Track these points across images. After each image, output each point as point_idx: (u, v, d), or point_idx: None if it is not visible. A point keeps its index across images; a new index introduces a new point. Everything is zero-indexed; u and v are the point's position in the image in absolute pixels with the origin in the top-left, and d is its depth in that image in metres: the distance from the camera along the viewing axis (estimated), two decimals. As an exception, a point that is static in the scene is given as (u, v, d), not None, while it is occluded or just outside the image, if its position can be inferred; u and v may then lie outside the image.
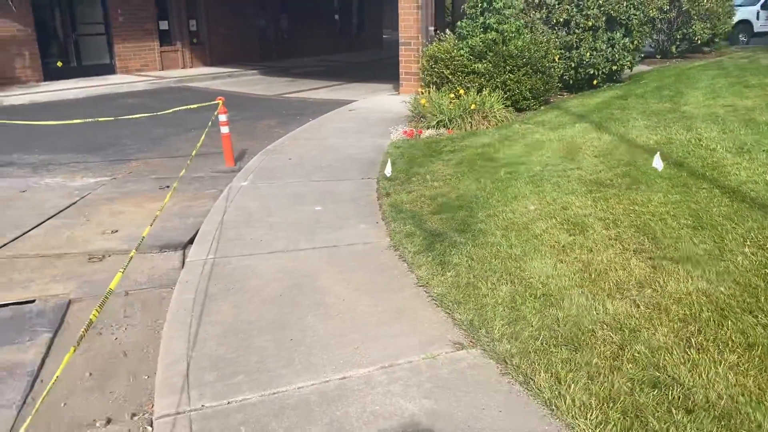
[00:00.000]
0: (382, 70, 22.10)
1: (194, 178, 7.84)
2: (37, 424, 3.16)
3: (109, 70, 19.05)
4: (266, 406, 2.97)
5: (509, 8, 10.55)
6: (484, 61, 10.33)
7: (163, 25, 20.24)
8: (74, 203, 6.89)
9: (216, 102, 8.50)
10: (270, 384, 3.15)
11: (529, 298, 3.73)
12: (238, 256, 4.92)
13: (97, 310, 2.78)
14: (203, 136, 8.08)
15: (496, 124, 9.25)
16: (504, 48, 10.24)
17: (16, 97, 14.95)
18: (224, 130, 8.11)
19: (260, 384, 3.16)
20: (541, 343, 3.24)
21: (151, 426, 3.09)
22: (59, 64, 18.02)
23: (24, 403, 3.34)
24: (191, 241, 5.65)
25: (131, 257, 3.61)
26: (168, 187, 7.44)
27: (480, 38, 10.46)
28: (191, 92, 16.46)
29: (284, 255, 4.91)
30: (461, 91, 9.75)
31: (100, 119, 9.82)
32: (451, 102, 9.54)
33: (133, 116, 10.16)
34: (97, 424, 3.15)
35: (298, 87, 17.34)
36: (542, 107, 10.79)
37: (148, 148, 9.85)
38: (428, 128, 9.08)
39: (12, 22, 16.60)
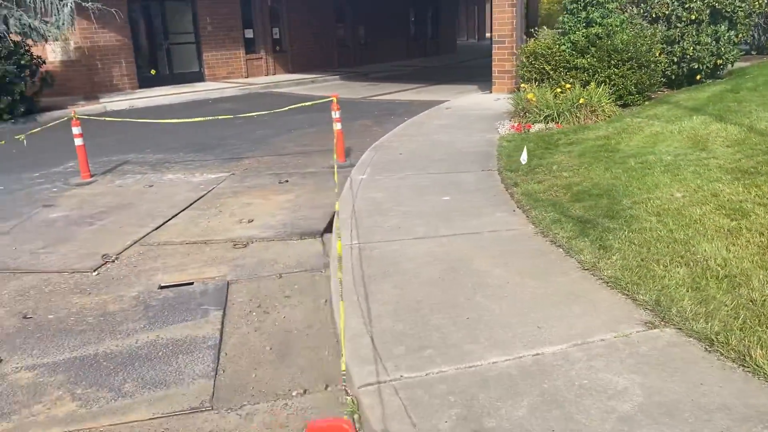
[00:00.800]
0: (461, 72, 22.06)
1: (309, 173, 7.98)
2: (233, 393, 3.26)
3: (198, 77, 19.71)
4: (467, 378, 2.97)
5: (613, 2, 10.33)
6: (587, 56, 10.14)
7: (248, 33, 20.80)
8: (202, 196, 7.12)
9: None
10: (462, 358, 3.14)
11: (712, 279, 3.60)
12: (382, 242, 4.96)
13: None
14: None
15: (605, 119, 9.05)
16: (609, 42, 10.03)
17: (117, 103, 15.64)
18: (337, 126, 8.23)
19: (452, 358, 3.16)
20: (743, 322, 3.12)
21: (348, 395, 3.13)
22: (152, 72, 18.76)
23: (216, 374, 3.44)
24: (327, 229, 5.75)
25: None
26: (287, 181, 7.60)
27: (582, 33, 10.28)
28: (278, 97, 16.83)
29: (428, 241, 4.92)
30: (567, 86, 9.59)
31: (212, 117, 10.13)
32: (556, 97, 9.40)
33: (242, 115, 10.42)
34: (294, 393, 3.22)
35: (381, 90, 17.48)
36: (646, 102, 10.50)
37: (255, 147, 10.10)
38: (536, 123, 8.96)
39: (111, 31, 17.41)
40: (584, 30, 10.35)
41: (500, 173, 6.74)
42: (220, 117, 10.35)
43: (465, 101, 12.53)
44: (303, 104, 10.16)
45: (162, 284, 4.77)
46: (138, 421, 3.05)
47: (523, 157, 6.53)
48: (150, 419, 3.06)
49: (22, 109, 13.50)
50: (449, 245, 4.76)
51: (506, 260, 4.38)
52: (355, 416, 2.91)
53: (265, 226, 5.93)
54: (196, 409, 3.12)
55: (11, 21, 13.01)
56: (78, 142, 8.19)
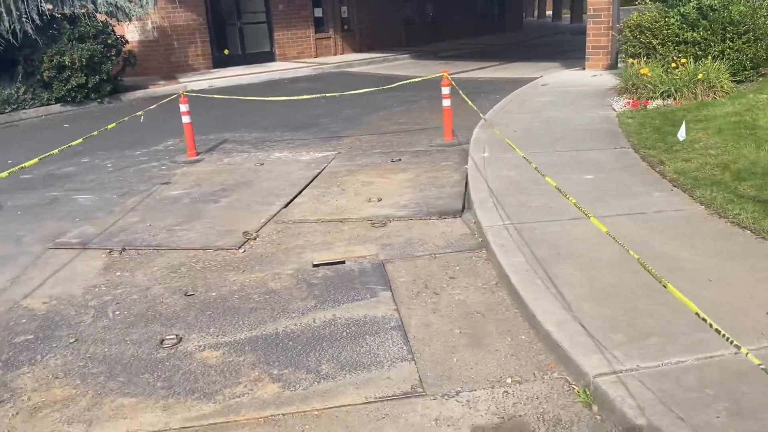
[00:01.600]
0: (534, 50, 21.47)
1: (418, 152, 7.77)
2: (441, 378, 3.08)
3: (269, 57, 19.68)
4: (715, 370, 2.71)
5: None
6: (698, 30, 9.59)
7: (317, 12, 20.63)
8: (317, 175, 6.99)
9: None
10: (696, 348, 2.89)
11: None
12: (537, 222, 4.72)
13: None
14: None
15: (723, 95, 8.55)
16: (724, 14, 9.46)
17: (197, 82, 15.69)
18: (446, 103, 7.98)
19: (686, 347, 2.91)
20: None
21: (569, 384, 2.92)
22: (226, 51, 18.79)
23: (413, 357, 3.28)
24: (463, 209, 5.54)
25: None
26: (400, 160, 7.41)
27: (694, 5, 9.73)
28: (353, 77, 16.64)
29: (589, 221, 4.64)
30: (682, 61, 9.09)
31: (306, 96, 9.98)
32: (668, 72, 8.93)
33: (329, 95, 10.25)
34: (509, 381, 3.02)
35: (457, 68, 17.07)
36: (759, 78, 9.90)
37: (349, 126, 9.93)
38: (651, 99, 8.53)
39: (188, 11, 17.46)
40: (695, 2, 9.79)
41: (636, 151, 6.39)
42: (307, 96, 10.20)
43: (558, 78, 12.09)
44: (404, 82, 9.94)
45: (315, 262, 4.64)
46: (351, 405, 2.90)
47: (681, 134, 6.17)
48: (364, 403, 2.91)
49: (108, 89, 13.64)
50: (617, 226, 4.47)
51: (690, 242, 4.09)
52: (594, 407, 2.69)
53: (397, 205, 5.75)
54: (410, 394, 2.96)
55: (99, 0, 13.12)
56: (186, 120, 8.16)
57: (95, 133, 6.94)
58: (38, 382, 3.30)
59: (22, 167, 5.22)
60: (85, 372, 3.36)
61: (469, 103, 7.62)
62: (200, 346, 3.54)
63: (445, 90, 7.92)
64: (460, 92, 8.46)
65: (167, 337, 3.66)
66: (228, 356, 3.42)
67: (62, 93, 12.83)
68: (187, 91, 8.43)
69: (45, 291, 4.47)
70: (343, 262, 4.62)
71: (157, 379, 3.25)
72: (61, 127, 11.63)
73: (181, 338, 3.64)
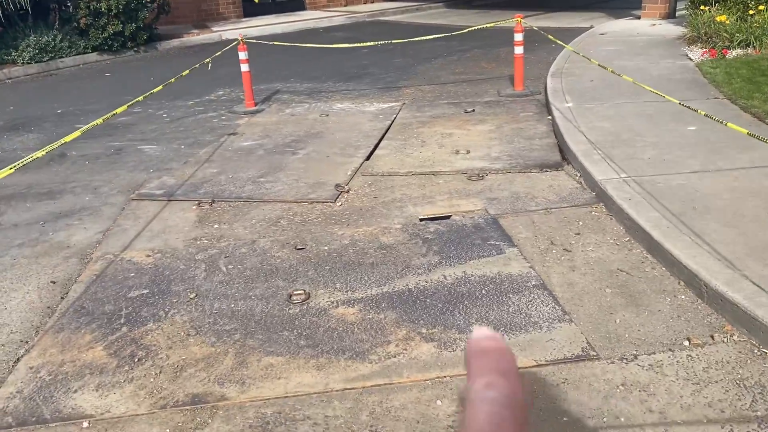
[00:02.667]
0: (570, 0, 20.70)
1: (489, 102, 7.45)
2: (608, 340, 2.89)
3: (299, 6, 19.09)
4: None
5: None
6: (775, -26, 9.06)
7: (348, -42, 19.91)
8: (389, 126, 6.71)
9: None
10: None
11: None
12: (656, 176, 4.46)
13: None
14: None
15: (805, 44, 8.10)
16: (804, -43, 8.91)
17: (230, 31, 15.24)
18: (518, 51, 7.61)
19: None
20: None
21: (758, 348, 2.71)
22: (256, 0, 18.23)
23: (570, 318, 3.08)
24: (563, 161, 5.27)
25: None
26: (473, 110, 7.10)
27: (771, -53, 9.16)
28: (388, 25, 16.14)
29: (715, 175, 4.39)
30: (761, 7, 8.62)
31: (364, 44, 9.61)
32: (743, 20, 8.48)
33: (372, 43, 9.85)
34: (686, 344, 2.82)
35: (496, 18, 16.43)
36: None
37: (404, 76, 9.58)
38: (730, 48, 8.11)
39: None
40: (773, -57, 9.23)
41: (734, 102, 6.06)
42: (351, 45, 9.82)
43: (614, 27, 11.60)
44: (447, 33, 9.54)
45: (421, 217, 4.42)
46: (521, 369, 2.71)
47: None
48: (535, 366, 2.73)
49: (145, 37, 13.27)
50: (750, 180, 4.22)
51: (839, 197, 3.83)
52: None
53: (488, 157, 5.49)
54: (582, 357, 2.77)
55: (135, -56, 12.63)
56: (244, 68, 7.85)
57: (173, 80, 6.66)
58: (171, 339, 3.14)
59: (113, 114, 4.97)
60: (218, 329, 3.19)
61: (560, 42, 7.25)
62: (332, 303, 3.36)
63: (518, 37, 7.55)
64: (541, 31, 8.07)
65: (295, 292, 3.47)
66: (366, 313, 3.24)
67: (99, 41, 12.48)
68: (219, 41, 8.09)
69: (143, 244, 4.29)
70: (449, 217, 4.40)
71: (299, 336, 3.08)
72: (102, 76, 11.34)
73: (309, 294, 3.45)
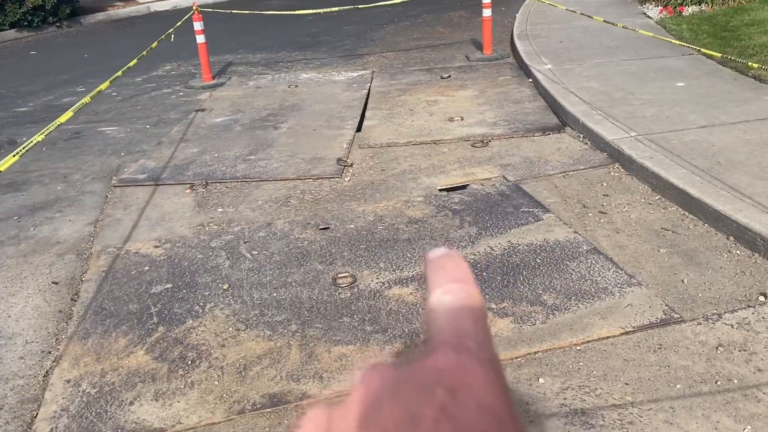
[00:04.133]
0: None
1: (462, 68, 7.31)
2: (685, 302, 2.84)
3: (225, -26, 18.18)
4: None
5: None
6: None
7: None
8: (367, 96, 6.47)
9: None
10: None
11: None
12: (666, 132, 4.47)
13: None
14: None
15: (751, 0, 8.38)
16: None
17: (159, 3, 14.38)
18: (486, 13, 7.48)
19: None
20: None
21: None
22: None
23: (638, 282, 3.02)
24: (561, 123, 5.22)
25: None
26: (449, 76, 6.95)
27: None
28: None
29: (723, 128, 4.44)
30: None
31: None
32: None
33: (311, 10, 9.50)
34: (762, 299, 2.81)
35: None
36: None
37: (361, 44, 9.29)
38: (684, 5, 8.28)
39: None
40: None
41: (709, 57, 6.17)
42: (298, 12, 9.41)
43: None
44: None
45: (440, 187, 4.26)
46: (612, 337, 2.63)
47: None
48: (623, 334, 2.65)
49: (68, 11, 12.30)
50: (758, 133, 4.28)
51: None
52: None
53: (485, 123, 5.37)
54: (668, 321, 2.71)
55: None
56: (200, 39, 7.35)
57: (154, 45, 6.08)
58: (220, 336, 2.86)
59: (98, 91, 4.48)
60: (269, 321, 2.94)
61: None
62: (384, 283, 3.16)
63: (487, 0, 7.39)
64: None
65: (339, 275, 3.25)
66: (424, 293, 3.05)
67: (17, 16, 11.45)
68: (148, 14, 7.54)
69: (145, 234, 3.93)
70: (467, 186, 4.26)
71: (362, 321, 2.87)
72: (27, 55, 10.43)
73: (354, 276, 3.24)
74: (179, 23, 7.24)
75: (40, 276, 3.56)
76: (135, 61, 5.08)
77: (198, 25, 7.31)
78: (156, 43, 6.19)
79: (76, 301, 3.27)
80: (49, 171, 5.19)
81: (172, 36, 6.65)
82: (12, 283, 3.50)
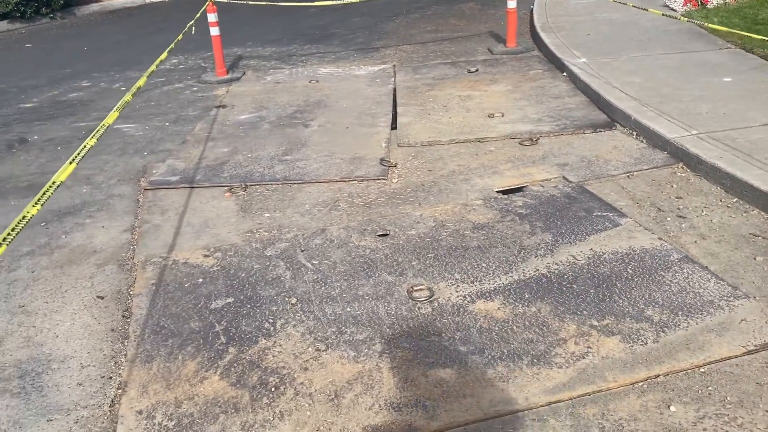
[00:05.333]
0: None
1: (487, 61, 7.08)
2: (799, 314, 2.65)
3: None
4: None
5: None
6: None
7: None
8: (394, 91, 6.22)
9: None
10: None
11: None
12: (729, 130, 4.28)
13: None
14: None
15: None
16: None
17: (154, -6, 13.96)
18: (511, 4, 7.24)
19: None
20: None
21: None
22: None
23: (744, 293, 2.81)
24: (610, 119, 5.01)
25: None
26: (477, 70, 6.71)
27: None
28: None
29: (783, 127, 4.25)
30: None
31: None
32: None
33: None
34: None
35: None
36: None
37: (375, 36, 9.02)
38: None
39: None
40: None
41: (749, 51, 6.01)
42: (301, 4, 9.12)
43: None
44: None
45: (497, 189, 4.03)
46: (735, 357, 2.43)
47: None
48: (746, 354, 2.44)
49: (61, 2, 11.87)
50: (827, 130, 4.10)
51: None
52: None
53: (528, 119, 5.15)
54: (791, 339, 2.51)
55: None
56: (214, 32, 7.04)
57: (180, 37, 5.75)
58: (300, 357, 2.61)
59: (151, 71, 4.18)
60: (349, 339, 2.70)
61: None
62: (465, 297, 2.93)
63: (513, -8, 7.15)
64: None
65: (415, 288, 3.01)
66: (514, 307, 2.84)
67: (10, 7, 11.01)
68: (143, 5, 7.20)
69: (191, 242, 3.66)
70: (524, 188, 4.04)
71: (452, 341, 2.64)
72: (23, 48, 10.03)
73: (431, 289, 3.00)
74: (198, 15, 6.91)
75: (82, 289, 3.28)
76: (165, 54, 4.77)
77: (212, 17, 7.00)
78: (181, 35, 5.88)
79: (128, 318, 3.00)
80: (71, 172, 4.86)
81: (193, 28, 6.33)
82: (53, 298, 3.22)
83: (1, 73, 8.33)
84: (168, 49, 5.05)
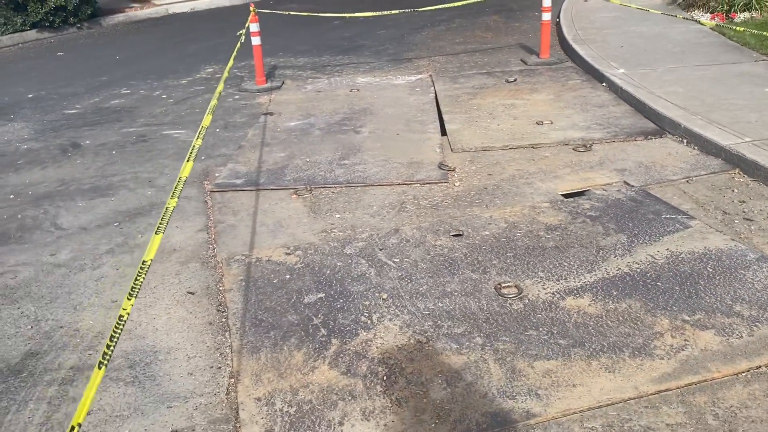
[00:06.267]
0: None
1: (523, 71, 7.21)
2: None
3: (236, -23, 17.99)
4: None
5: None
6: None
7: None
8: (436, 100, 6.34)
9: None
10: None
11: None
12: (781, 138, 4.39)
13: None
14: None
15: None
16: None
17: (178, 5, 14.15)
18: (546, 17, 7.38)
19: None
20: None
21: None
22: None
23: (824, 289, 2.91)
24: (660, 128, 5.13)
25: None
26: (515, 80, 6.84)
27: None
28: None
29: (836, 135, 4.37)
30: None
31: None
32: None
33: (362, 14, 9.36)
34: None
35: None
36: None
37: (404, 48, 9.16)
38: (735, 12, 8.28)
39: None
40: None
41: (787, 63, 6.14)
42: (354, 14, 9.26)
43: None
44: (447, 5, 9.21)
45: (562, 192, 4.14)
46: (829, 350, 2.51)
47: None
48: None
49: (89, 12, 12.02)
50: None
51: None
52: None
53: (577, 127, 5.26)
54: None
55: None
56: (256, 41, 7.17)
57: (238, 45, 5.87)
58: (404, 349, 2.70)
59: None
60: (449, 333, 2.78)
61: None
62: (553, 294, 3.02)
63: (546, 2, 7.29)
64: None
65: (504, 285, 3.10)
66: (604, 303, 2.93)
67: (39, 17, 11.15)
68: (166, 15, 7.34)
69: (269, 241, 3.75)
70: (587, 191, 4.14)
71: (551, 335, 2.73)
72: (54, 56, 10.15)
73: (518, 286, 3.09)
74: (246, 26, 7.04)
75: (170, 285, 3.37)
76: (232, 62, 4.88)
77: (255, 27, 7.13)
78: (239, 44, 6.01)
79: (224, 312, 3.08)
80: (130, 175, 4.98)
81: (242, 37, 6.46)
82: (143, 293, 3.30)
83: (39, 81, 8.44)
84: (232, 56, 5.18)
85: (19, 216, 4.36)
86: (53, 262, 3.71)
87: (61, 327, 3.07)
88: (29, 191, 4.77)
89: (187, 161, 2.65)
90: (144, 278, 2.12)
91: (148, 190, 4.67)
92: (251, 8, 7.15)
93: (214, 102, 3.57)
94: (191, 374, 2.68)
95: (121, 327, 1.81)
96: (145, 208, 4.38)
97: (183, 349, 2.84)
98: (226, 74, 4.36)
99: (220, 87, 3.91)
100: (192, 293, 3.28)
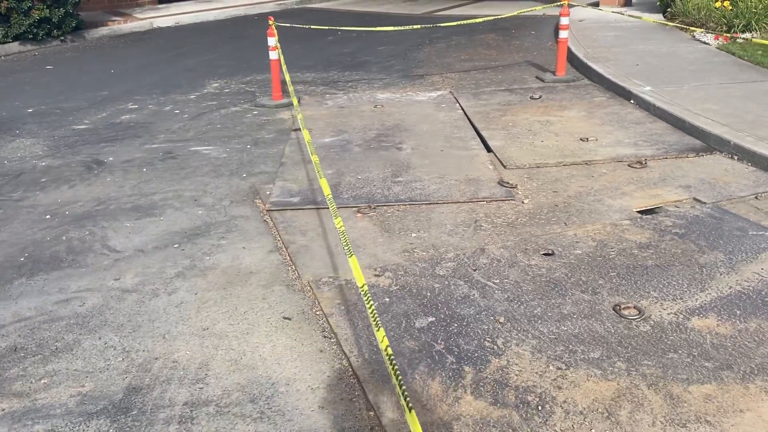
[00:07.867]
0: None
1: (543, 88, 7.22)
2: None
3: (214, -8, 17.73)
4: None
5: None
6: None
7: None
8: (466, 116, 6.28)
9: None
10: None
11: None
12: (837, 155, 4.45)
13: None
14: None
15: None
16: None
17: (162, 19, 13.83)
18: (563, 34, 7.43)
19: None
20: None
21: None
22: (169, -15, 16.68)
23: None
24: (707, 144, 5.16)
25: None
26: (540, 97, 6.84)
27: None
28: (327, 13, 15.40)
29: None
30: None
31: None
32: (730, 5, 8.95)
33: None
34: None
35: (437, 6, 16.22)
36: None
37: (410, 64, 9.10)
38: (736, 32, 8.51)
39: (132, -63, 15.21)
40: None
41: (809, 82, 6.30)
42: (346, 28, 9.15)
43: (583, 14, 11.79)
44: (468, 21, 9.20)
45: (636, 209, 4.09)
46: None
47: None
48: None
49: (73, 24, 11.61)
50: None
51: None
52: None
53: (623, 143, 5.26)
54: None
55: None
56: (273, 56, 6.98)
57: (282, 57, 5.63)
58: (545, 377, 2.56)
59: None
60: (586, 358, 2.67)
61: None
62: (676, 314, 2.94)
63: (564, 21, 7.35)
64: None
65: (623, 306, 3.01)
66: (732, 324, 2.86)
67: (23, 29, 10.71)
68: (150, 29, 7.14)
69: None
70: (659, 208, 4.11)
71: (692, 357, 2.64)
72: (43, 69, 9.73)
73: (637, 307, 3.00)
74: (276, 39, 6.83)
75: (260, 311, 3.16)
76: (288, 75, 4.69)
77: (272, 41, 6.94)
78: (283, 61, 5.80)
79: (331, 338, 2.90)
80: (171, 194, 4.73)
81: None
82: (235, 320, 3.09)
83: (35, 95, 8.05)
84: (284, 70, 4.97)
85: (64, 238, 4.07)
86: (120, 287, 3.45)
87: (156, 358, 2.83)
88: (65, 211, 4.48)
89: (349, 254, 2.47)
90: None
91: (197, 209, 4.44)
92: (270, 21, 6.97)
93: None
94: (322, 408, 2.48)
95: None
96: (200, 228, 4.14)
97: (303, 380, 2.64)
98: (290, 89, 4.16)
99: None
100: (288, 319, 3.08)
